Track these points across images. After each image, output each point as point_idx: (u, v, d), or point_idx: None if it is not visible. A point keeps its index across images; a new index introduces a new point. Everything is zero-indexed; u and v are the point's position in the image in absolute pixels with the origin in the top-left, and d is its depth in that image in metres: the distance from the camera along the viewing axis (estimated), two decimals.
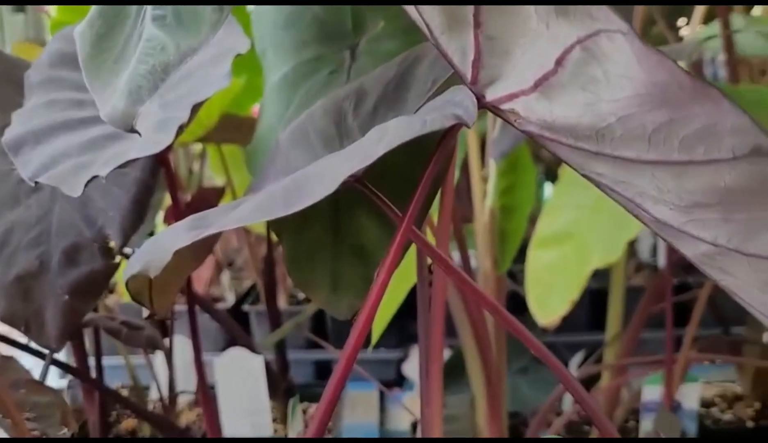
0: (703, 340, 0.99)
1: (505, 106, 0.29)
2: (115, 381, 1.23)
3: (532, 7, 0.25)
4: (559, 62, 0.25)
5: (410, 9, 0.28)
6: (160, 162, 0.68)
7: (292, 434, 0.98)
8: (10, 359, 0.57)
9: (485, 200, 0.84)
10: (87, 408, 0.90)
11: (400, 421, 1.23)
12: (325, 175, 0.29)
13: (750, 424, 0.97)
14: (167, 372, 1.06)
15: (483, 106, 0.30)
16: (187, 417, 1.25)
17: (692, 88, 0.21)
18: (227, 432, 1.06)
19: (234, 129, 1.02)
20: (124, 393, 1.23)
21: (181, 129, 0.50)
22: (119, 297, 1.52)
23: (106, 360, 0.96)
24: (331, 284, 0.46)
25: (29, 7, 1.60)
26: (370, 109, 0.41)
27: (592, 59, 0.23)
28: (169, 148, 0.71)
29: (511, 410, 1.05)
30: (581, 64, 0.24)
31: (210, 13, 0.34)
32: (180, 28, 0.35)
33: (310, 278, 0.47)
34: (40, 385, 0.56)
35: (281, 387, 1.13)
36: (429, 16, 0.28)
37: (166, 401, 1.05)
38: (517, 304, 1.02)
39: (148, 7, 0.36)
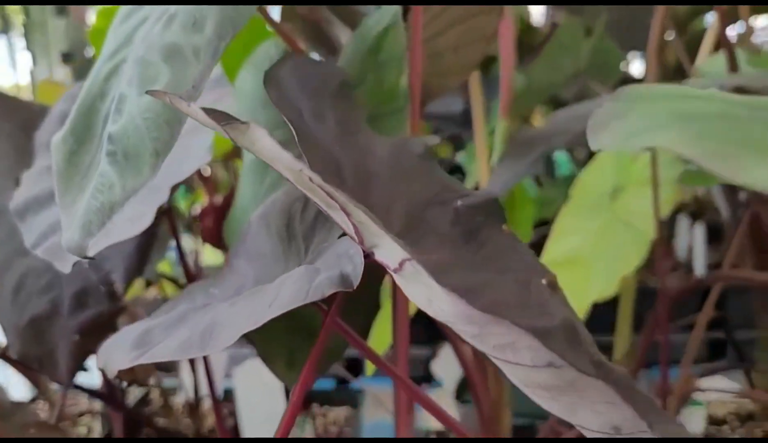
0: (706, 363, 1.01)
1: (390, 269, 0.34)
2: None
3: None
4: (400, 265, 0.29)
5: (300, 182, 0.33)
6: (162, 213, 0.75)
7: None
8: (20, 404, 0.66)
9: None
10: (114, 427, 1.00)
11: (423, 419, 1.29)
12: (228, 328, 0.35)
13: None
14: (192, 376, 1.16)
15: (372, 261, 0.35)
16: (213, 420, 1.35)
17: (484, 318, 0.26)
18: (249, 434, 1.15)
19: None
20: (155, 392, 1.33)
21: (161, 208, 0.56)
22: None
23: None
24: (287, 360, 0.53)
25: (72, 12, 1.69)
26: (311, 220, 0.46)
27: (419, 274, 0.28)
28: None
29: (519, 419, 1.09)
30: (414, 273, 0.29)
31: (149, 156, 0.40)
32: (127, 165, 0.41)
33: (270, 353, 0.53)
34: (50, 426, 0.65)
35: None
36: (312, 194, 0.33)
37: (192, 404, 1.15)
38: None
39: (105, 139, 0.42)
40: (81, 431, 1.25)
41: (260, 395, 1.16)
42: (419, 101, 0.51)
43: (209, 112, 0.28)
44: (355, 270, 0.34)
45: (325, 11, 0.72)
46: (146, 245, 0.74)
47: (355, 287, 0.34)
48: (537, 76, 1.08)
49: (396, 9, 0.55)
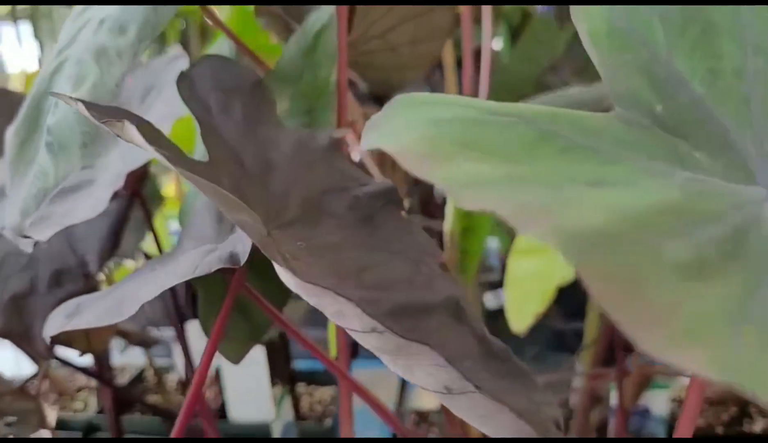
0: None
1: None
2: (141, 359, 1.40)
3: None
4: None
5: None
6: (133, 195, 0.81)
7: (279, 423, 1.12)
8: None
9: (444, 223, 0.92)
10: (103, 402, 1.06)
11: (421, 400, 1.33)
12: (133, 298, 0.40)
13: (719, 430, 1.03)
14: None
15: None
16: (211, 394, 1.41)
17: (314, 289, 0.31)
18: (233, 414, 1.21)
19: None
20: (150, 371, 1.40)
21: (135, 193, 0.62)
22: None
23: None
24: (224, 334, 0.58)
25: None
26: None
27: None
28: (141, 182, 0.83)
29: None
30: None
31: (78, 147, 0.45)
32: (60, 155, 0.46)
33: (209, 327, 0.59)
34: (23, 393, 0.71)
35: (284, 374, 1.27)
36: (189, 181, 0.37)
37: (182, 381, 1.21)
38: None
39: (45, 130, 0.48)
40: (78, 405, 1.33)
41: (245, 373, 1.22)
42: (345, 96, 0.56)
43: (90, 108, 0.33)
44: (244, 249, 0.39)
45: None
46: (118, 229, 0.80)
47: (241, 264, 0.39)
48: (513, 69, 1.11)
49: (332, 9, 0.59)
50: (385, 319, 0.31)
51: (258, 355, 1.17)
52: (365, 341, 0.33)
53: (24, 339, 0.79)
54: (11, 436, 0.68)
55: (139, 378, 1.37)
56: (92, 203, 0.60)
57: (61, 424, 1.22)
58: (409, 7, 0.70)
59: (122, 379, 1.38)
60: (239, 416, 1.23)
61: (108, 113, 0.33)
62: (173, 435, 0.46)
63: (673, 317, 0.17)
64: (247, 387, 1.23)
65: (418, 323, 0.41)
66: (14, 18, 1.91)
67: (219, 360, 1.24)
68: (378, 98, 0.97)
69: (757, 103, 0.25)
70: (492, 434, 0.38)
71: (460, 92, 1.07)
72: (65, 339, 0.68)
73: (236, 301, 0.58)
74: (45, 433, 0.73)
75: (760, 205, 0.23)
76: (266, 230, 0.39)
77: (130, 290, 0.41)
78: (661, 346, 0.16)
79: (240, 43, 0.62)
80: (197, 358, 1.34)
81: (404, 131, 0.24)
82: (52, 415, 1.06)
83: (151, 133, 0.35)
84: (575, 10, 0.28)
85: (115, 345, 1.19)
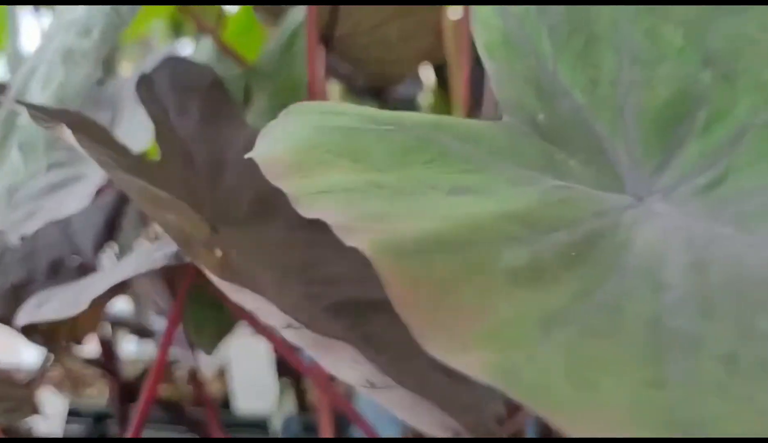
0: None
1: None
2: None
3: None
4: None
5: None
6: None
7: (279, 415, 1.15)
8: None
9: None
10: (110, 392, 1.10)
11: None
12: (87, 291, 0.42)
13: None
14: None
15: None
16: (217, 386, 1.45)
17: (231, 286, 0.32)
18: (239, 405, 1.24)
19: None
20: None
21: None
22: None
23: None
24: (196, 326, 0.60)
25: None
26: None
27: None
28: None
29: None
30: None
31: (43, 146, 0.48)
32: (28, 153, 0.49)
33: (186, 323, 0.61)
34: (12, 381, 0.75)
35: (290, 367, 1.30)
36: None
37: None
38: None
39: (18, 132, 0.50)
40: (91, 393, 1.37)
41: (251, 366, 1.25)
42: (317, 94, 0.58)
43: (34, 111, 0.35)
44: None
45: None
46: (113, 223, 0.83)
47: (184, 262, 0.41)
48: None
49: (306, 8, 0.61)
50: (327, 313, 0.33)
51: (264, 349, 1.20)
52: (287, 336, 0.35)
53: (23, 326, 0.82)
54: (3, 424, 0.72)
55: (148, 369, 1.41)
56: (77, 198, 0.63)
57: (72, 412, 1.26)
58: (394, 8, 0.71)
59: (135, 370, 1.42)
60: (245, 408, 1.26)
61: (52, 115, 0.35)
62: (135, 421, 0.48)
63: (470, 320, 0.18)
64: (253, 380, 1.26)
65: (364, 318, 0.42)
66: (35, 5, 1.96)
67: (227, 353, 1.28)
68: (377, 92, 0.98)
69: (630, 113, 0.26)
70: (421, 428, 0.39)
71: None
72: (49, 328, 0.71)
73: (209, 296, 0.60)
74: (38, 419, 0.77)
75: (621, 212, 0.24)
76: (210, 228, 0.40)
77: (87, 285, 0.43)
78: (444, 350, 0.17)
79: (221, 42, 0.64)
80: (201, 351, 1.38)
81: (284, 140, 0.25)
82: (63, 403, 1.11)
83: (92, 134, 0.38)
84: (475, 26, 0.29)
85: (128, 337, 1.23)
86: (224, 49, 0.65)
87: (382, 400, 0.38)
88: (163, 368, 0.46)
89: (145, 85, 0.45)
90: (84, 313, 0.56)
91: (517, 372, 0.17)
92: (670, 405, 0.18)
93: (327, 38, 0.71)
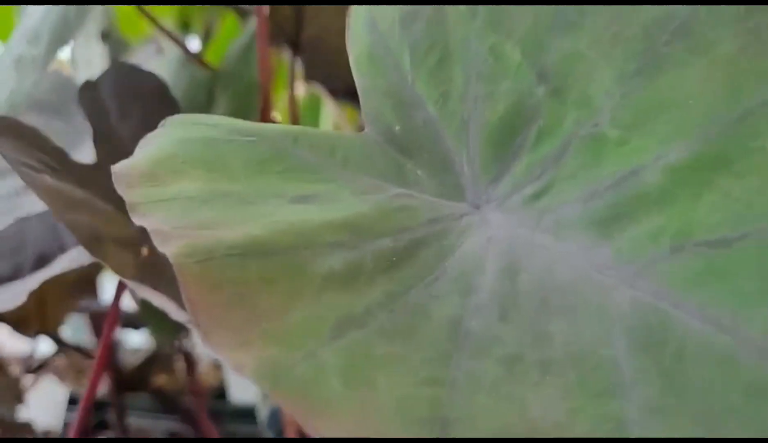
0: None
1: None
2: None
3: None
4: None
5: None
6: None
7: (264, 408, 1.17)
8: None
9: None
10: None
11: None
12: (21, 290, 0.45)
13: None
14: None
15: None
16: (215, 376, 1.48)
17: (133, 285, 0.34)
18: (234, 396, 1.27)
19: None
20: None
21: None
22: None
23: None
24: (155, 320, 0.62)
25: None
26: None
27: None
28: None
29: None
30: None
31: None
32: None
33: (146, 314, 0.64)
34: None
35: None
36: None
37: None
38: None
39: None
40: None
41: None
42: (268, 95, 0.59)
43: None
44: None
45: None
46: None
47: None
48: None
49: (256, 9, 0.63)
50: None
51: None
52: (195, 333, 0.37)
53: (9, 319, 0.86)
54: None
55: (149, 360, 1.45)
56: None
57: (72, 400, 1.30)
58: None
59: (135, 360, 1.46)
60: (239, 398, 1.29)
61: None
62: (80, 408, 0.51)
63: (266, 320, 0.20)
64: None
65: None
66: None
67: None
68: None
69: (474, 126, 0.27)
70: None
71: None
72: (18, 318, 0.74)
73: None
74: (22, 408, 0.80)
75: (457, 220, 0.26)
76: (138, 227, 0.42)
77: (25, 283, 0.46)
78: (222, 346, 0.19)
79: (183, 46, 0.67)
80: (198, 342, 1.41)
81: (147, 151, 0.27)
82: (65, 391, 1.15)
83: (25, 139, 0.40)
84: (348, 40, 0.31)
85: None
86: (188, 55, 0.67)
87: None
88: (108, 352, 0.48)
89: (88, 91, 0.48)
90: (51, 306, 0.59)
91: (290, 369, 0.19)
92: (440, 403, 0.19)
93: (293, 41, 0.73)
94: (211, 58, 0.82)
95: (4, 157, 0.34)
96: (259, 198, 0.25)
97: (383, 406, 0.19)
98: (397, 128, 0.29)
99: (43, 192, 0.35)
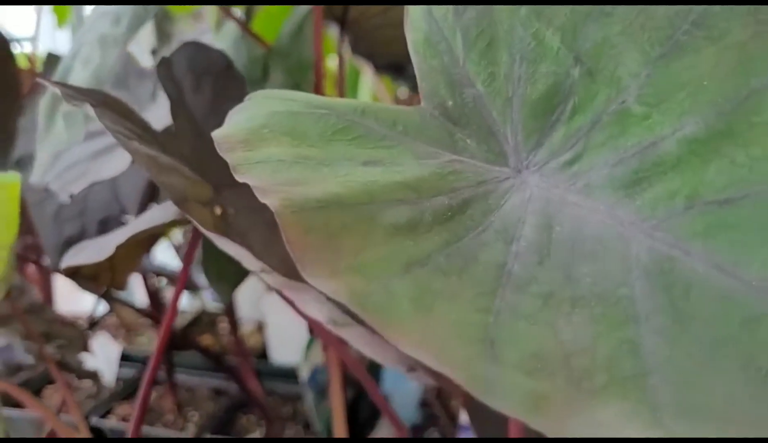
0: None
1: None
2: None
3: None
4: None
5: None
6: None
7: (306, 368, 1.23)
8: (28, 285, 0.85)
9: None
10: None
11: None
12: (111, 241, 0.50)
13: None
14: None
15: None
16: (256, 339, 1.54)
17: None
18: (275, 357, 1.33)
19: None
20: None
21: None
22: None
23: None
24: (216, 275, 0.68)
25: None
26: None
27: None
28: None
29: None
30: None
31: (82, 117, 0.55)
32: (71, 122, 0.57)
33: (208, 270, 0.69)
34: (66, 321, 0.84)
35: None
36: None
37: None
38: None
39: (63, 104, 0.58)
40: (142, 340, 1.49)
41: (286, 321, 1.33)
42: (321, 71, 0.64)
43: (64, 89, 0.42)
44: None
45: None
46: (155, 185, 0.91)
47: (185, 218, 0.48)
48: None
49: None
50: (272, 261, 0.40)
51: None
52: (267, 280, 0.42)
53: (76, 276, 0.92)
54: (59, 357, 0.82)
55: (196, 320, 1.52)
56: (117, 163, 0.71)
57: (125, 356, 1.38)
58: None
59: (183, 321, 1.53)
60: (279, 359, 1.35)
61: (80, 94, 0.43)
62: (152, 364, 0.56)
63: (347, 257, 0.25)
64: (288, 334, 1.35)
65: None
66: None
67: (265, 309, 1.37)
68: (396, 68, 1.03)
69: (517, 102, 0.31)
70: (382, 362, 0.46)
71: None
72: (92, 274, 0.80)
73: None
74: (87, 357, 0.87)
75: (501, 182, 0.30)
76: (212, 189, 0.48)
77: (110, 237, 0.51)
78: (316, 276, 0.24)
79: (245, 27, 0.71)
80: (243, 306, 1.48)
81: (240, 121, 0.32)
82: (118, 347, 1.21)
83: (115, 110, 0.45)
84: (406, 26, 0.35)
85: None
86: (247, 33, 0.71)
87: (345, 337, 0.44)
88: (176, 306, 0.54)
89: (164, 67, 0.53)
90: (120, 262, 0.65)
91: (370, 295, 0.24)
92: (487, 327, 0.24)
93: (340, 21, 0.77)
94: (259, 32, 0.87)
95: (107, 128, 0.39)
96: (335, 161, 0.30)
97: (443, 326, 0.24)
98: (450, 103, 0.33)
99: (141, 157, 0.40)
